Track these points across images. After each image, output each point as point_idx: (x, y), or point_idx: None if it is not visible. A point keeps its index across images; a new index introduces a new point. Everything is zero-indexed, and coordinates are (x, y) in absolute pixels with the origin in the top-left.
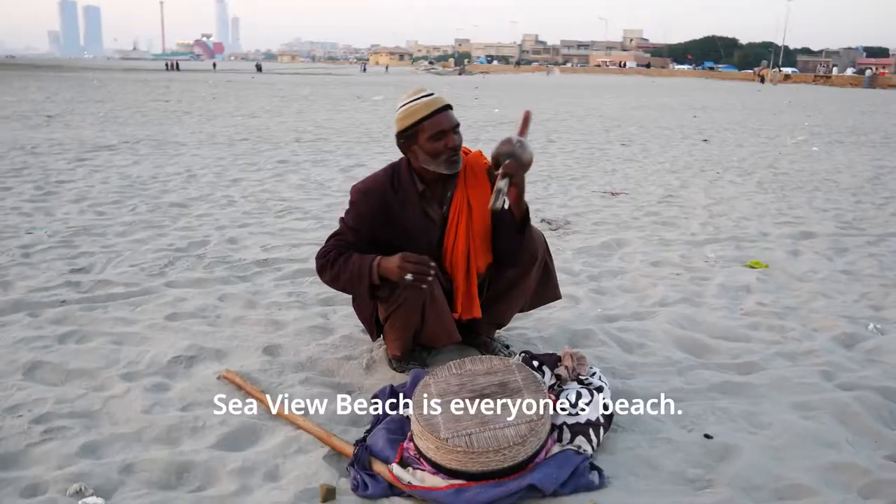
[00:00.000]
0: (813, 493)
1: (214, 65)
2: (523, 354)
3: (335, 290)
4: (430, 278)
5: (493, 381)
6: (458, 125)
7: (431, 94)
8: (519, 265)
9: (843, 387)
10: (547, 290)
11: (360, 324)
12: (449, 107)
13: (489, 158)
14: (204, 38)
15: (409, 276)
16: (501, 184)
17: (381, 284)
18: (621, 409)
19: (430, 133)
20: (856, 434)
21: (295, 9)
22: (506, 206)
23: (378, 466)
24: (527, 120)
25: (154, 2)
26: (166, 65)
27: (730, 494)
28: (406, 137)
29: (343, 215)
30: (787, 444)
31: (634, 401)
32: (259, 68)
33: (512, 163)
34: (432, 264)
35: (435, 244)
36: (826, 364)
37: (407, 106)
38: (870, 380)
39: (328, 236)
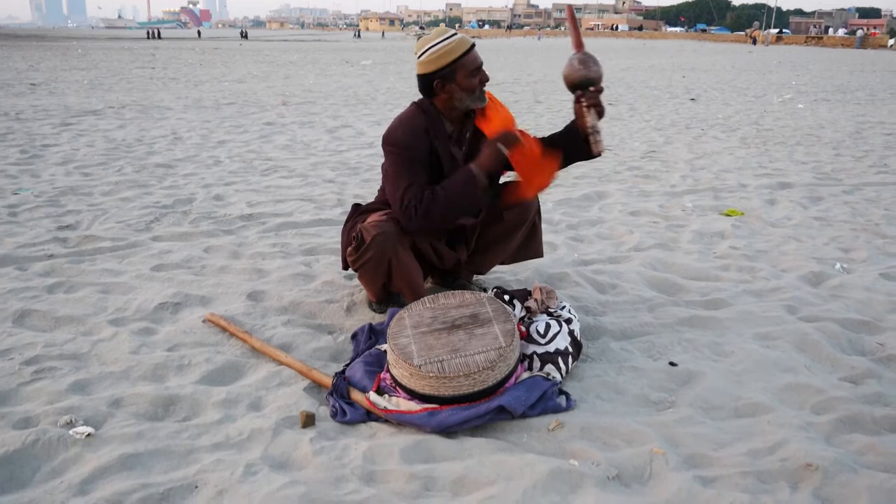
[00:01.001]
0: (768, 411)
1: (199, 32)
2: (495, 290)
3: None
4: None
5: (464, 313)
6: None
7: (456, 35)
8: (509, 221)
9: (806, 319)
10: (529, 249)
11: (343, 272)
12: (474, 45)
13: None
14: (190, 6)
15: (501, 146)
16: (596, 123)
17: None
18: (590, 343)
19: (469, 69)
20: (813, 360)
21: None
22: (601, 148)
23: (356, 395)
24: (572, 17)
25: None
26: (147, 33)
27: (690, 412)
28: (442, 77)
29: (391, 169)
30: (747, 370)
31: (603, 337)
32: (244, 35)
33: (595, 92)
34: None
35: None
36: (791, 299)
37: (438, 46)
38: (832, 312)
39: (399, 193)
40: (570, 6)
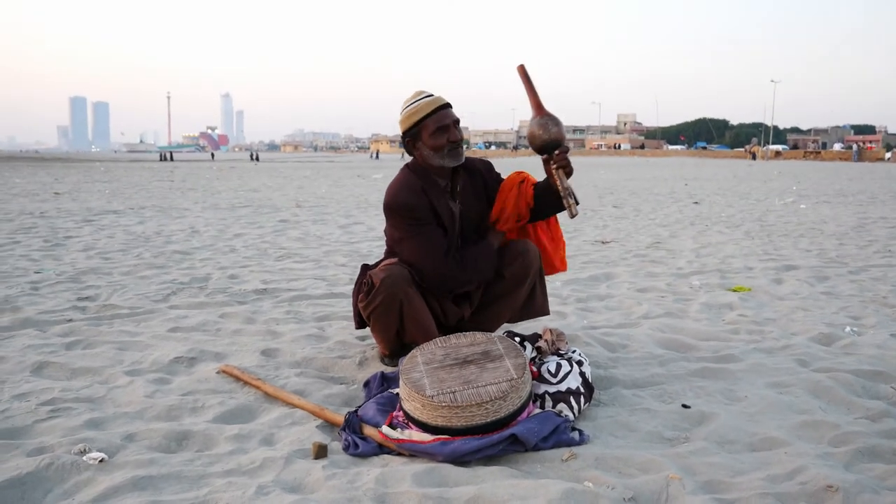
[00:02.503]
0: (785, 444)
1: (213, 155)
2: (506, 333)
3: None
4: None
5: (475, 350)
6: (458, 121)
7: (432, 95)
8: (511, 277)
9: (818, 370)
10: (535, 304)
11: (355, 332)
12: (449, 105)
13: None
14: (209, 131)
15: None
16: (568, 185)
17: None
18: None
19: (432, 129)
20: (829, 403)
21: (297, 101)
22: (576, 211)
23: (368, 430)
24: (525, 76)
25: (161, 96)
26: (161, 156)
27: (705, 445)
28: (411, 136)
29: (404, 236)
30: (762, 411)
31: (614, 387)
32: (255, 158)
33: (560, 154)
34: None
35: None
36: (803, 355)
37: (411, 106)
38: (844, 365)
39: (430, 246)
40: (521, 66)
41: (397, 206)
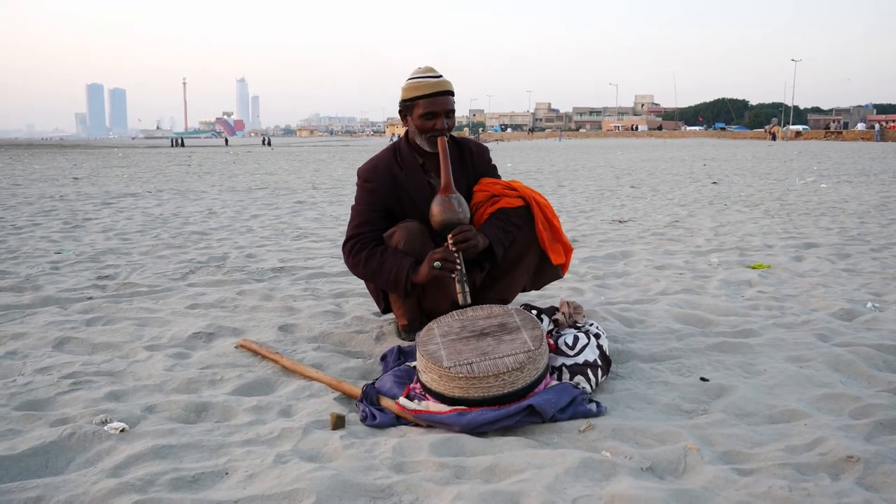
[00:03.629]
0: (805, 416)
1: (226, 140)
2: (522, 306)
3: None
4: (458, 267)
5: (492, 322)
6: (451, 111)
7: (439, 77)
8: (520, 242)
9: (839, 345)
10: (548, 269)
11: (372, 308)
12: (449, 92)
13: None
14: (225, 116)
15: (437, 264)
16: (464, 269)
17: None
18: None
19: (422, 111)
20: (849, 377)
21: (313, 86)
22: (468, 300)
23: (386, 401)
24: (444, 151)
25: (177, 83)
26: (172, 142)
27: (723, 417)
28: (404, 108)
29: (354, 203)
30: (781, 384)
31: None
32: (267, 142)
33: (462, 232)
34: (456, 253)
35: None
36: (823, 330)
37: (413, 80)
38: (865, 340)
39: (348, 228)
40: (442, 138)
41: (359, 175)
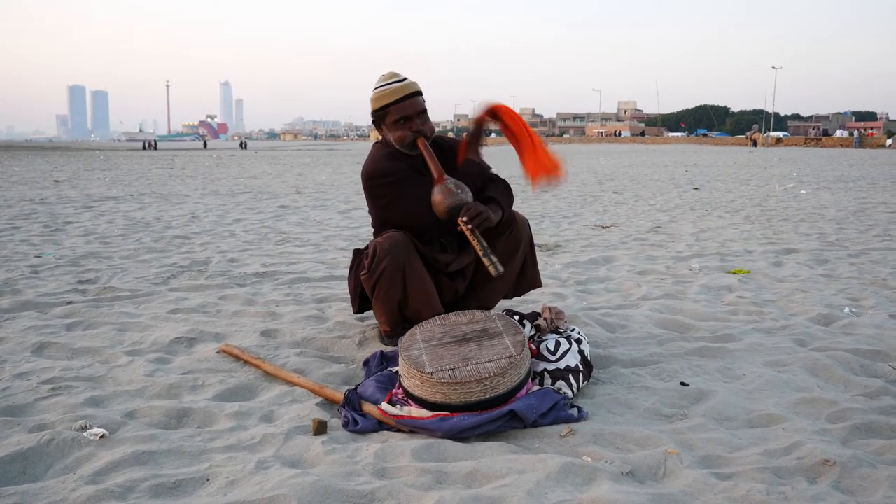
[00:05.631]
0: (782, 420)
1: (205, 144)
2: (505, 311)
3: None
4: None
5: (475, 328)
6: (423, 111)
7: (404, 81)
8: (503, 250)
9: (817, 350)
10: (528, 277)
11: (354, 316)
12: (417, 93)
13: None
14: (208, 119)
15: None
16: (485, 243)
17: None
18: (600, 370)
19: (395, 117)
20: (826, 382)
21: (297, 90)
22: (500, 269)
23: (368, 407)
24: (426, 148)
25: (160, 85)
26: (143, 145)
27: (703, 421)
28: (377, 118)
29: (374, 204)
30: (760, 388)
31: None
32: (243, 146)
33: (469, 210)
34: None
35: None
36: (801, 335)
37: (379, 89)
38: (843, 345)
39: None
40: (421, 138)
41: (378, 174)
